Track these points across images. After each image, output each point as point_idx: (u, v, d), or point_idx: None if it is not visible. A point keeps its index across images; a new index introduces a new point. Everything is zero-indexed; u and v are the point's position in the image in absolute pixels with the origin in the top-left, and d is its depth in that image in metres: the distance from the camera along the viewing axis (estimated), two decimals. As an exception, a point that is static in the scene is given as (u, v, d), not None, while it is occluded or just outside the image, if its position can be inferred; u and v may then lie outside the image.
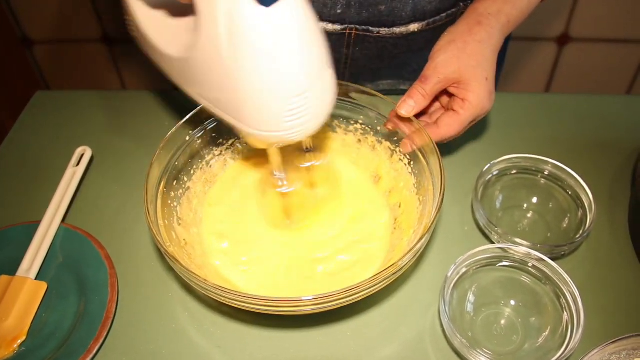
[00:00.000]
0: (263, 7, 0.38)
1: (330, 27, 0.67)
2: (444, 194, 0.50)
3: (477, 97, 0.56)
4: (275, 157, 0.55)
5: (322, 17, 0.66)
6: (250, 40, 0.40)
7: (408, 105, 0.55)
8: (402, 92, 0.57)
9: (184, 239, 0.54)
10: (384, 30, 0.67)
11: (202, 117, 0.59)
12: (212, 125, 0.60)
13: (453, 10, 0.68)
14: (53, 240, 0.58)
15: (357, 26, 0.67)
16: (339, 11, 0.65)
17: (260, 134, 0.45)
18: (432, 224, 0.48)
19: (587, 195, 0.58)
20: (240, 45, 0.40)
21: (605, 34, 1.33)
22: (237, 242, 0.57)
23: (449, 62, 0.55)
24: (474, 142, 0.70)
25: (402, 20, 0.66)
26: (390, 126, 0.59)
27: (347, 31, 0.67)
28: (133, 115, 0.75)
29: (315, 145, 0.62)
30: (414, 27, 0.67)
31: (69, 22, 1.34)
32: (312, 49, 0.42)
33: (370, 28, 0.67)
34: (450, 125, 0.57)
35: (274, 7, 0.38)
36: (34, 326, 0.53)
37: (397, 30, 0.67)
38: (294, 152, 0.58)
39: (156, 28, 0.51)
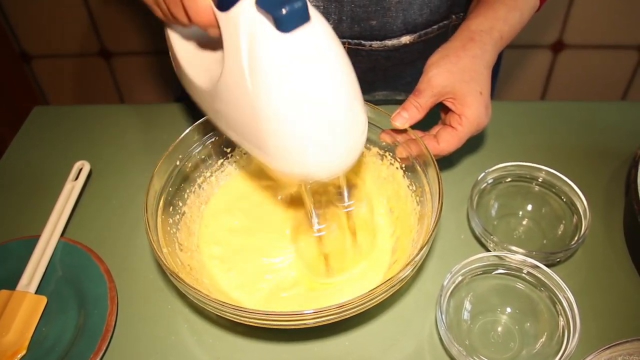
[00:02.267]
0: (283, 33, 0.36)
1: None
2: (441, 207, 0.50)
3: (473, 112, 0.56)
4: (307, 197, 0.52)
5: None
6: (270, 68, 0.38)
7: (402, 118, 0.56)
8: (398, 102, 0.58)
9: (188, 265, 0.54)
10: (376, 44, 0.68)
11: (190, 141, 0.59)
12: (199, 149, 0.60)
13: (445, 22, 0.69)
14: (52, 254, 0.59)
15: (350, 40, 0.68)
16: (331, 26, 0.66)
17: (284, 169, 0.43)
18: (430, 236, 0.48)
19: (582, 201, 0.58)
20: (261, 74, 0.38)
21: (599, 41, 1.34)
22: (237, 263, 0.57)
23: (443, 76, 0.55)
24: (468, 151, 0.71)
25: (393, 33, 0.67)
26: (388, 139, 0.60)
27: None
28: (131, 130, 0.76)
29: (352, 187, 0.59)
30: (405, 39, 0.68)
31: (67, 37, 1.35)
32: (336, 78, 0.40)
33: (363, 42, 0.68)
34: (448, 141, 0.57)
35: (295, 32, 0.37)
36: (34, 340, 0.53)
37: (389, 43, 0.68)
38: (332, 193, 0.56)
39: (190, 59, 0.50)
